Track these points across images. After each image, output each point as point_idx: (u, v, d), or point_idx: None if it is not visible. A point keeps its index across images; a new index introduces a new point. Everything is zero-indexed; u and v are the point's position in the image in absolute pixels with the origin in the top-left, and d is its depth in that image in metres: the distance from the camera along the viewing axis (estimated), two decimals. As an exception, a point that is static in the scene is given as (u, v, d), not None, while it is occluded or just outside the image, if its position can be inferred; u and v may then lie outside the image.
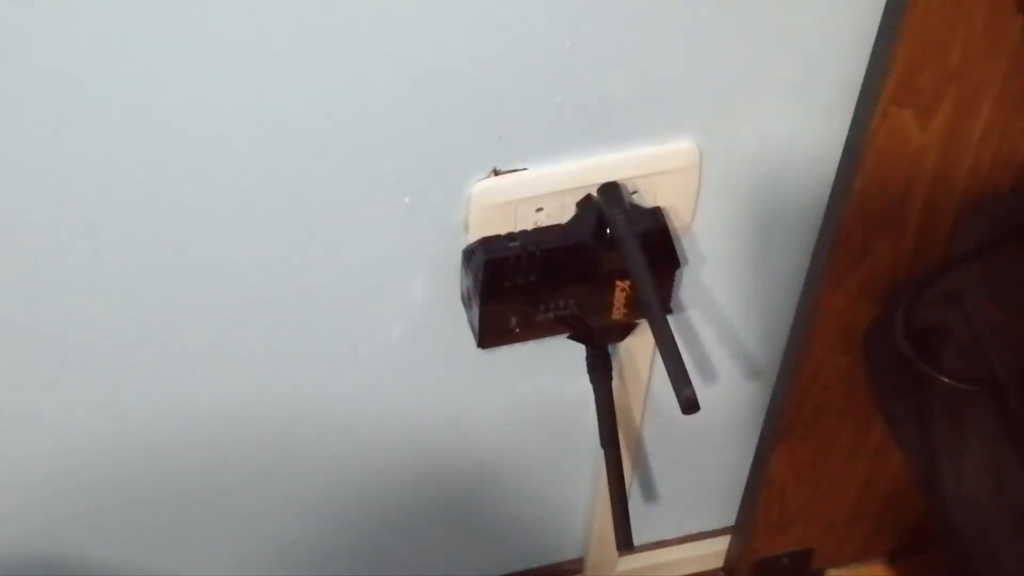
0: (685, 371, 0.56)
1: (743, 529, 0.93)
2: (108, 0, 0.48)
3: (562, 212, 0.63)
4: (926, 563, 0.97)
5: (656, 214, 0.64)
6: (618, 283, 0.64)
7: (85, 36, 0.49)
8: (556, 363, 0.74)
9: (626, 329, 0.71)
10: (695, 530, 0.97)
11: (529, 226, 0.63)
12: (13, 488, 0.70)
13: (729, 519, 0.96)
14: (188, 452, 0.72)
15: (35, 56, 0.49)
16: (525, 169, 0.61)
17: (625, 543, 0.71)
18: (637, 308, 0.66)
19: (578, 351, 0.71)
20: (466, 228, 0.63)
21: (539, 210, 0.62)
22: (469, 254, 0.63)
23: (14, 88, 0.50)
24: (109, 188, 0.56)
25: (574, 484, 0.87)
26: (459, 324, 0.67)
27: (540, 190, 0.61)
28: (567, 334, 0.69)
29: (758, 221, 0.69)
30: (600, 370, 0.71)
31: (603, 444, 0.72)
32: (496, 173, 0.61)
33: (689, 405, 0.55)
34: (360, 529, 0.84)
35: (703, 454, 0.88)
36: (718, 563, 0.99)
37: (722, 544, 0.98)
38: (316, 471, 0.77)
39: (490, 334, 0.66)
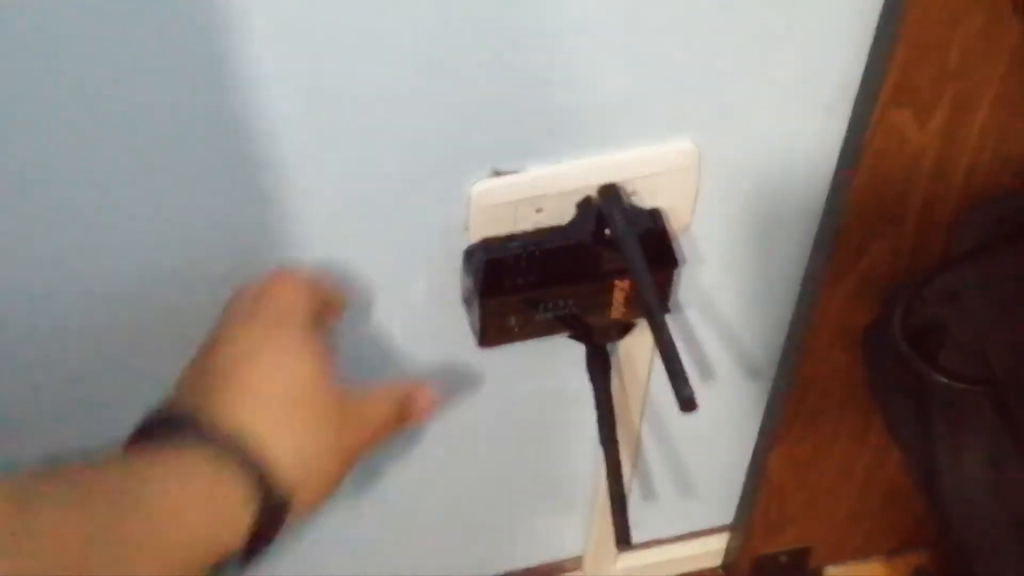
0: (684, 370, 0.56)
1: (742, 527, 0.94)
2: None
3: (562, 212, 0.63)
4: (925, 562, 0.97)
5: (655, 214, 0.64)
6: (617, 283, 0.64)
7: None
8: (556, 363, 0.74)
9: (625, 329, 0.71)
10: (694, 528, 0.97)
11: (529, 226, 0.63)
12: None
13: (728, 517, 0.96)
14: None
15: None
16: (525, 169, 0.61)
17: (624, 541, 0.72)
18: (636, 308, 0.66)
19: (578, 351, 0.71)
20: (466, 228, 0.63)
21: (539, 211, 0.62)
22: (469, 254, 0.63)
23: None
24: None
25: (574, 483, 0.87)
26: (459, 324, 0.67)
27: (540, 190, 0.61)
28: (567, 334, 0.69)
29: (757, 221, 0.69)
30: (600, 369, 0.71)
31: (603, 443, 0.72)
32: (496, 173, 0.61)
33: (687, 404, 0.56)
34: (360, 528, 0.84)
35: (702, 453, 0.88)
36: (716, 561, 0.99)
37: (721, 542, 0.98)
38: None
39: (490, 334, 0.66)
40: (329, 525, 0.82)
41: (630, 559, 0.97)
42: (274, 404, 0.48)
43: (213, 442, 0.45)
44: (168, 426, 0.46)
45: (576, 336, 0.70)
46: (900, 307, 0.63)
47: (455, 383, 0.74)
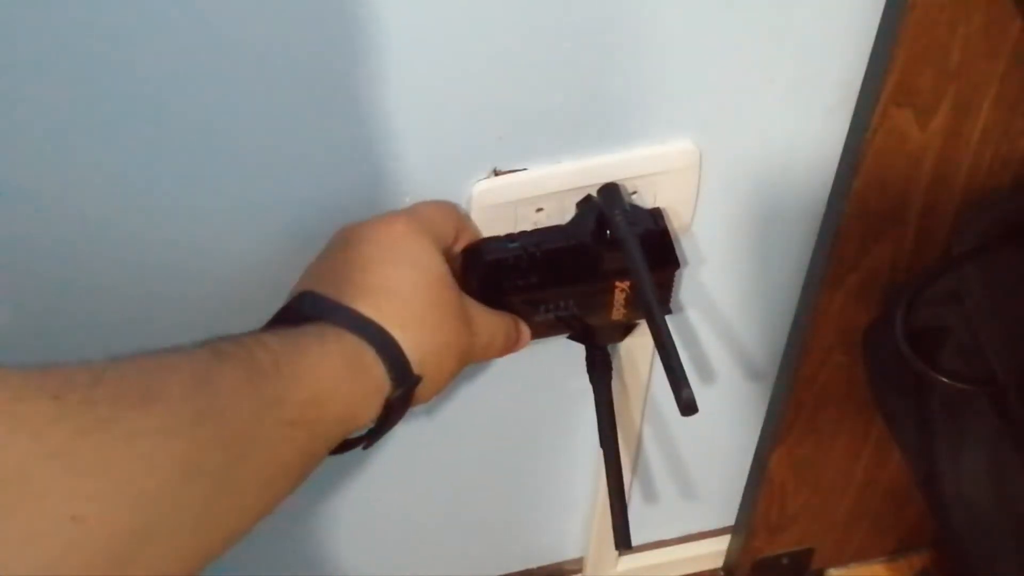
0: (684, 373, 0.56)
1: (743, 529, 0.94)
2: None
3: (562, 212, 0.63)
4: (926, 563, 0.97)
5: (656, 214, 0.64)
6: (618, 283, 0.64)
7: None
8: (556, 363, 0.74)
9: (626, 329, 0.71)
10: (695, 530, 0.97)
11: (529, 226, 0.63)
12: None
13: (729, 519, 0.96)
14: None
15: None
16: (525, 169, 0.61)
17: (624, 543, 0.71)
18: (637, 308, 0.66)
19: (578, 351, 0.71)
20: (466, 228, 0.63)
21: (539, 210, 0.62)
22: (469, 254, 0.63)
23: None
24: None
25: (574, 484, 0.87)
26: (459, 324, 0.67)
27: (540, 190, 0.61)
28: (567, 334, 0.69)
29: (758, 221, 0.69)
30: (600, 370, 0.71)
31: (603, 444, 0.72)
32: (496, 173, 0.61)
33: (687, 407, 0.55)
34: (360, 528, 0.84)
35: (703, 454, 0.88)
36: (717, 563, 0.99)
37: (722, 544, 0.98)
38: (315, 473, 0.77)
39: (490, 334, 0.66)
40: (330, 525, 0.83)
41: (631, 561, 0.97)
42: (405, 299, 0.52)
43: (354, 328, 0.49)
44: (306, 314, 0.50)
45: (576, 337, 0.70)
46: (901, 307, 0.63)
47: (454, 384, 0.74)
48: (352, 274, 0.52)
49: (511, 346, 0.62)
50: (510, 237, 0.63)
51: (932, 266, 0.69)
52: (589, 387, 0.72)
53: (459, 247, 0.60)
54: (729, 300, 0.74)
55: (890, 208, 0.67)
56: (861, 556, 0.98)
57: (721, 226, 0.68)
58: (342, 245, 0.55)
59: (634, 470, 0.87)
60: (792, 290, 0.75)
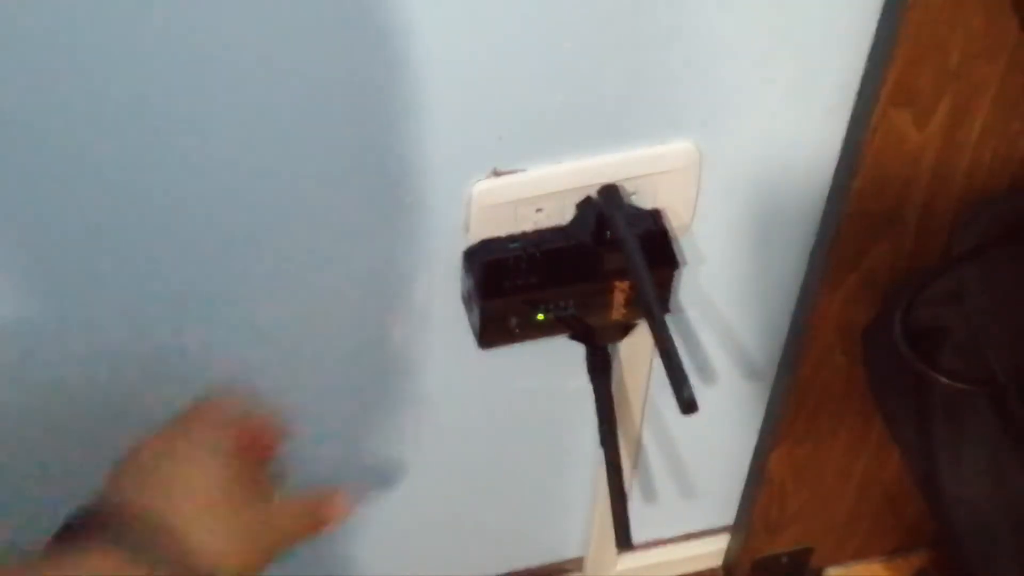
0: (684, 372, 0.56)
1: (742, 528, 0.94)
2: None
3: (562, 213, 0.63)
4: (925, 563, 0.97)
5: (655, 215, 0.64)
6: (617, 284, 0.64)
7: None
8: (556, 363, 0.74)
9: (626, 329, 0.71)
10: (694, 529, 0.97)
11: (529, 227, 0.63)
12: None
13: (728, 518, 0.96)
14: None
15: None
16: (525, 169, 0.61)
17: (625, 542, 0.72)
18: (636, 309, 0.66)
19: (578, 351, 0.71)
20: (467, 229, 0.63)
21: (539, 211, 0.62)
22: (469, 255, 0.63)
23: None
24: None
25: (574, 484, 0.87)
26: (460, 324, 0.67)
27: (540, 191, 0.61)
28: (567, 334, 0.69)
29: (757, 221, 0.69)
30: (600, 370, 0.71)
31: (603, 444, 0.72)
32: (496, 173, 0.61)
33: (688, 406, 0.56)
34: (360, 529, 0.84)
35: (702, 454, 0.88)
36: (717, 562, 0.99)
37: (721, 543, 0.98)
38: (316, 473, 0.77)
39: (490, 335, 0.66)
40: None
41: (630, 560, 0.97)
42: (190, 503, 0.51)
43: (130, 539, 0.48)
44: (90, 522, 0.49)
45: (576, 337, 0.70)
46: (900, 308, 0.63)
47: (456, 383, 0.74)
48: (138, 479, 0.52)
49: (320, 526, 0.58)
50: (510, 238, 0.63)
51: (932, 266, 0.69)
52: (589, 387, 0.72)
53: (261, 450, 0.58)
54: (729, 300, 0.74)
55: (889, 208, 0.67)
56: (860, 555, 0.98)
57: (721, 226, 0.68)
58: (137, 450, 0.54)
59: (634, 469, 0.87)
60: (791, 290, 0.75)
